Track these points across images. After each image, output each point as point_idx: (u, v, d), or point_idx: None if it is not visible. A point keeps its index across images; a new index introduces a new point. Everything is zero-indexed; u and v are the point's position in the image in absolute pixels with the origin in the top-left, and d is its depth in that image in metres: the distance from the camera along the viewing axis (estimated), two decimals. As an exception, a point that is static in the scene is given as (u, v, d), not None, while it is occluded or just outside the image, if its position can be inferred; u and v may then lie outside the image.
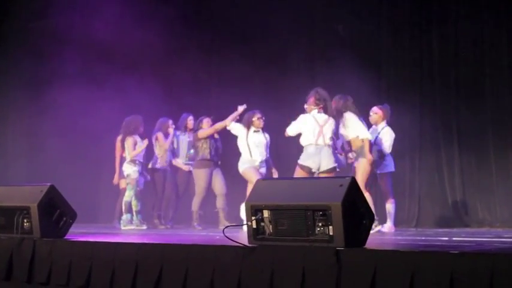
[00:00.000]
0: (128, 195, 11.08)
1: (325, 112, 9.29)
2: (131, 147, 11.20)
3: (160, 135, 11.39)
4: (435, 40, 11.79)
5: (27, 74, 13.61)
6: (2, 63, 13.99)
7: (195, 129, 11.28)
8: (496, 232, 9.14)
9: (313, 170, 9.12)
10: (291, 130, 9.37)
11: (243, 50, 12.72)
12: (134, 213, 11.10)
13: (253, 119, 10.41)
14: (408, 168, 11.77)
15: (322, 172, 9.10)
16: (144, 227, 10.94)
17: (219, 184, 11.00)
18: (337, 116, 9.33)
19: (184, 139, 11.52)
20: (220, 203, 10.95)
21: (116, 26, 12.75)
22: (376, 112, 9.92)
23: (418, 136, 11.75)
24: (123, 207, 11.05)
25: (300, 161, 9.17)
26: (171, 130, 11.42)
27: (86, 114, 13.06)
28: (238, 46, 12.81)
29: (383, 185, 9.80)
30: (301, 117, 9.29)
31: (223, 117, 10.94)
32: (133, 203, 11.10)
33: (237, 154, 10.45)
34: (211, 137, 11.03)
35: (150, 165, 11.47)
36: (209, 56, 13.39)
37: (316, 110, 9.25)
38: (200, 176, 10.98)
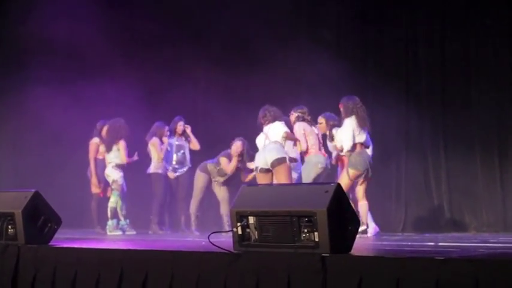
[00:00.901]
0: (114, 201, 11.01)
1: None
2: (124, 152, 11.14)
3: (156, 141, 11.32)
4: (421, 45, 11.81)
5: (11, 79, 13.53)
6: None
7: (170, 134, 11.30)
8: (482, 237, 9.16)
9: (261, 167, 9.43)
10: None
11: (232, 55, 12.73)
12: (122, 217, 11.04)
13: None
14: (394, 173, 11.77)
15: (273, 166, 9.34)
16: (133, 232, 10.90)
17: (224, 190, 11.00)
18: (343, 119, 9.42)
19: (173, 142, 11.47)
20: (224, 209, 10.94)
21: (95, 32, 12.72)
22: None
23: (404, 141, 11.75)
24: (109, 213, 10.99)
25: (251, 166, 9.97)
26: (165, 139, 11.36)
27: (69, 119, 13.00)
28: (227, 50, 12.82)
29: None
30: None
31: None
32: (120, 207, 11.05)
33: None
34: None
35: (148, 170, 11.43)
36: (198, 59, 13.34)
37: (264, 125, 9.75)
38: (199, 178, 11.01)
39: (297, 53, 12.33)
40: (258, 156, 9.56)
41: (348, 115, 9.34)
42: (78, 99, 12.71)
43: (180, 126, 11.47)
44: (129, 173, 11.40)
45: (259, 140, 9.72)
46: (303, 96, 11.86)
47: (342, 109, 9.46)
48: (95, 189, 11.60)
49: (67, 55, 13.42)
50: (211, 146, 11.79)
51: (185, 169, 11.42)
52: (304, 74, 12.24)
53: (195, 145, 11.49)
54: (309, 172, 9.67)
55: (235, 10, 12.24)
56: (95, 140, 11.53)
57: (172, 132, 11.47)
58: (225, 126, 12.00)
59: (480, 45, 11.33)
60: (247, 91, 12.44)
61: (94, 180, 11.54)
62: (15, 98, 13.54)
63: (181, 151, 11.41)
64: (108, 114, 11.63)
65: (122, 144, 11.15)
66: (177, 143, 11.44)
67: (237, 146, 10.86)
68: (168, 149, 11.39)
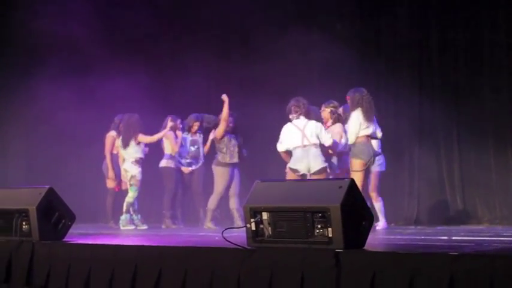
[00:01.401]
0: (132, 196, 10.97)
1: (306, 117, 9.46)
2: (143, 145, 11.12)
3: (171, 135, 11.31)
4: (434, 38, 11.77)
5: (24, 76, 13.57)
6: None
7: (183, 129, 11.29)
8: (495, 230, 9.13)
9: (303, 172, 9.24)
10: (279, 147, 9.61)
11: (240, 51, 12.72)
12: (133, 212, 11.05)
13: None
14: (407, 166, 11.76)
15: (313, 174, 9.17)
16: (145, 227, 10.90)
17: (234, 184, 10.96)
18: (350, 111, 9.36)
19: (187, 137, 11.47)
20: (233, 203, 10.91)
21: (104, 28, 12.78)
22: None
23: (417, 134, 11.73)
24: (124, 207, 10.97)
25: (290, 165, 9.33)
26: (179, 133, 11.34)
27: (84, 115, 13.05)
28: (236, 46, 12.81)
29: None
30: (282, 130, 9.56)
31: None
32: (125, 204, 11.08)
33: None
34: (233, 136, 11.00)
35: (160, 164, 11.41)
36: (208, 55, 13.34)
37: (295, 116, 9.45)
38: (220, 174, 10.86)
39: (307, 43, 12.25)
40: (299, 159, 9.26)
41: (354, 108, 9.28)
42: (91, 95, 12.75)
43: (196, 126, 11.40)
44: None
45: (295, 136, 9.39)
46: (315, 88, 11.83)
47: (349, 101, 9.39)
48: (111, 183, 11.60)
49: (79, 51, 13.43)
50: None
51: (200, 164, 11.41)
52: (315, 65, 12.24)
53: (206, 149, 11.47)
54: None
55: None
56: (112, 133, 11.50)
57: (187, 129, 11.44)
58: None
59: (493, 36, 11.27)
60: (256, 84, 12.44)
61: (111, 174, 11.53)
62: (27, 94, 13.60)
63: (196, 146, 11.40)
64: (121, 109, 11.62)
65: (142, 137, 11.09)
66: (191, 138, 11.42)
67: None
68: (183, 143, 11.38)
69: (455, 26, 11.56)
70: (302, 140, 9.30)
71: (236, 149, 10.82)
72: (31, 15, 13.25)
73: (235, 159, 10.81)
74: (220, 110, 10.80)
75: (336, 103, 9.94)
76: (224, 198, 10.86)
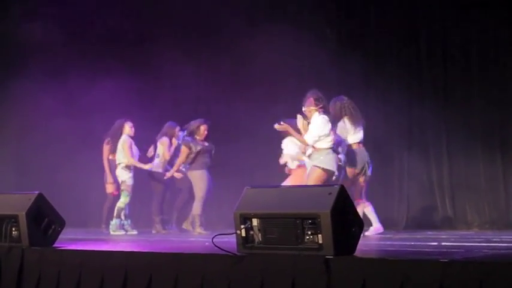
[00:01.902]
0: (123, 202, 11.01)
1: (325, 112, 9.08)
2: (128, 151, 11.11)
3: (166, 141, 11.29)
4: (423, 42, 11.79)
5: (15, 79, 13.55)
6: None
7: (190, 132, 11.23)
8: (485, 235, 9.16)
9: (335, 175, 8.89)
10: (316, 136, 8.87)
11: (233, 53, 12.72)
12: (123, 217, 11.04)
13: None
14: (397, 171, 11.78)
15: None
16: (135, 232, 10.90)
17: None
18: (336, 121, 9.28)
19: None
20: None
21: (97, 31, 12.78)
22: None
23: (407, 139, 11.75)
24: (115, 212, 10.99)
25: (324, 165, 8.78)
26: (174, 141, 11.31)
27: (73, 119, 13.03)
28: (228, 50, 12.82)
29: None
30: (321, 119, 8.91)
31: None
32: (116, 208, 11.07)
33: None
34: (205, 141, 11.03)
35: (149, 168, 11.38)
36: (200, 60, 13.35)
37: (318, 112, 8.95)
38: (199, 178, 10.91)
39: (298, 48, 12.28)
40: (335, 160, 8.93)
41: (339, 117, 9.25)
42: (82, 99, 12.73)
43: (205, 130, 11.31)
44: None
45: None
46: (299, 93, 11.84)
47: (332, 112, 9.25)
48: (109, 188, 11.58)
49: (70, 55, 13.42)
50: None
51: None
52: (305, 72, 12.27)
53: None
54: None
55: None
56: (107, 139, 11.53)
57: (191, 134, 11.33)
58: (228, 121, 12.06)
59: (482, 40, 11.30)
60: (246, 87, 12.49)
61: (109, 179, 11.52)
62: (18, 98, 13.57)
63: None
64: (113, 114, 11.61)
65: (125, 143, 11.12)
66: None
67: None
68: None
69: (445, 29, 11.58)
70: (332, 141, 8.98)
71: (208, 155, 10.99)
72: (19, 18, 13.27)
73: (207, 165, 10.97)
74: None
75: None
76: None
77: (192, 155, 10.89)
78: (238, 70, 12.68)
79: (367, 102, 10.82)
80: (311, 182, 8.65)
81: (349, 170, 9.21)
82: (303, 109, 9.09)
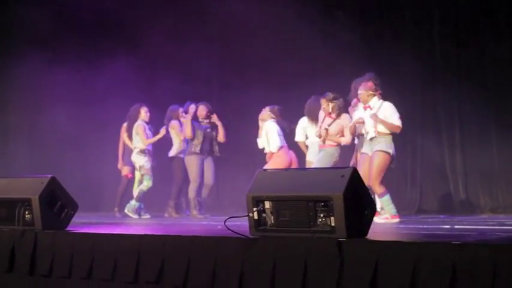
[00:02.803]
0: (146, 185, 11.06)
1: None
2: (143, 135, 11.12)
3: (176, 124, 11.30)
4: (436, 23, 11.74)
5: (26, 63, 13.56)
6: (2, 54, 13.97)
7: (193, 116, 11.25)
8: (498, 219, 9.14)
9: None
10: (397, 121, 8.86)
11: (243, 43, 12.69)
12: (135, 200, 11.08)
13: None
14: (410, 154, 11.75)
15: None
16: (148, 216, 10.93)
17: (208, 174, 11.05)
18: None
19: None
20: (205, 193, 11.05)
21: (118, 20, 12.77)
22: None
23: (420, 122, 11.71)
24: (137, 195, 11.04)
25: (389, 150, 8.72)
26: (183, 119, 11.30)
27: (86, 103, 13.06)
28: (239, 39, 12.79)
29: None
30: (389, 104, 8.93)
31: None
32: (135, 189, 11.10)
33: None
34: (204, 127, 11.03)
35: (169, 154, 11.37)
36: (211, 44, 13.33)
37: (377, 98, 8.96)
38: (192, 163, 11.00)
39: (306, 33, 12.25)
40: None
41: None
42: (94, 83, 12.75)
43: (203, 111, 11.34)
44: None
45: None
46: (318, 79, 11.84)
47: (368, 89, 9.02)
48: (125, 170, 11.62)
49: (78, 40, 13.46)
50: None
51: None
52: (319, 53, 12.24)
53: (222, 137, 11.38)
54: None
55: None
56: (124, 124, 11.57)
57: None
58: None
59: (495, 21, 11.24)
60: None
61: (120, 163, 11.58)
62: (29, 82, 13.61)
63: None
64: (130, 100, 11.62)
65: (139, 127, 11.14)
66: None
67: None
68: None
69: (458, 11, 11.53)
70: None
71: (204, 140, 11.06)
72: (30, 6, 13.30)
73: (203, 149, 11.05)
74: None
75: (335, 95, 9.65)
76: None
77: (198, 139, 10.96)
78: (246, 53, 12.63)
79: (380, 87, 10.77)
80: (376, 167, 8.60)
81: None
82: (358, 91, 9.04)
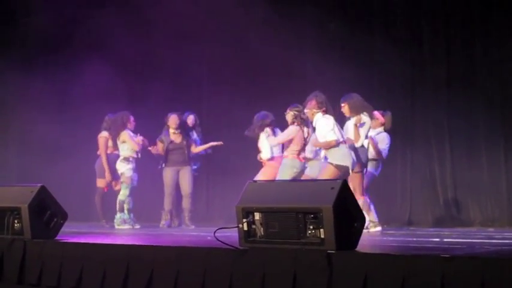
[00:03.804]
0: (123, 194, 10.95)
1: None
2: (131, 142, 11.04)
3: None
4: (426, 37, 11.78)
5: (16, 74, 13.60)
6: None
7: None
8: (487, 232, 9.16)
9: (350, 170, 8.80)
10: (330, 136, 8.83)
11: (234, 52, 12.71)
12: (126, 211, 11.01)
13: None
14: (399, 167, 11.75)
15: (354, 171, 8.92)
16: (138, 226, 10.89)
17: (184, 184, 11.07)
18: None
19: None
20: (185, 203, 11.08)
21: (108, 26, 12.76)
22: (377, 118, 9.85)
23: (410, 135, 11.74)
24: (117, 206, 10.96)
25: (337, 161, 8.72)
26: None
27: (75, 113, 13.05)
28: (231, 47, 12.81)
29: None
30: (325, 120, 8.96)
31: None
32: (126, 200, 11.04)
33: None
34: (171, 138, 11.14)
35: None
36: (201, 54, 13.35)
37: (321, 114, 9.01)
38: (165, 176, 11.10)
39: (301, 54, 12.29)
40: (347, 156, 8.82)
41: (359, 111, 9.22)
42: (85, 94, 12.74)
43: (190, 119, 11.39)
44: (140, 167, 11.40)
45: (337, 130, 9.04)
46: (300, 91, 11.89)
47: (348, 108, 9.22)
48: (101, 183, 11.58)
49: (66, 50, 13.48)
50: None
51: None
52: (306, 68, 12.28)
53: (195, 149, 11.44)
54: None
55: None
56: (104, 134, 11.45)
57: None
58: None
59: (485, 36, 11.28)
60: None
61: (107, 174, 11.43)
62: (20, 94, 13.63)
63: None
64: (116, 109, 11.60)
65: (125, 135, 11.08)
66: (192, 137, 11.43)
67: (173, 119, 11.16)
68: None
69: (448, 26, 11.57)
70: (343, 136, 8.99)
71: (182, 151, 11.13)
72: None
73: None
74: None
75: (300, 107, 9.66)
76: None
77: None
78: (238, 64, 12.67)
79: (370, 99, 10.79)
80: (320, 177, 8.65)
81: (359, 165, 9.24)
82: (305, 110, 9.20)
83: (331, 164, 8.72)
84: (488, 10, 11.22)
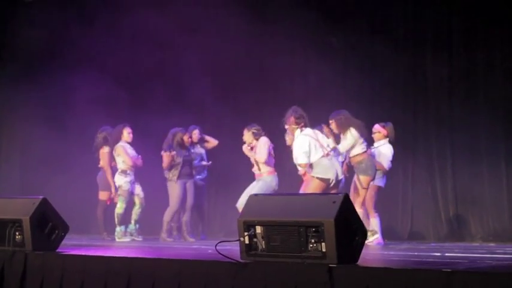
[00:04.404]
0: (120, 207, 10.97)
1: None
2: (125, 156, 11.07)
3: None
4: (429, 51, 11.78)
5: (20, 88, 13.63)
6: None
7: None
8: (488, 247, 9.15)
9: (332, 181, 9.11)
10: (306, 159, 9.17)
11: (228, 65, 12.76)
12: (133, 222, 11.05)
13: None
14: (401, 181, 11.74)
15: (338, 182, 9.18)
16: (140, 239, 10.89)
17: (189, 197, 11.06)
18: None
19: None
20: (186, 216, 11.07)
21: (108, 40, 12.80)
22: (379, 130, 10.00)
23: (411, 149, 11.73)
24: (116, 219, 10.98)
25: (319, 174, 9.07)
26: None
27: (78, 125, 13.06)
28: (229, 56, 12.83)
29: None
30: (300, 140, 9.25)
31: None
32: (134, 211, 11.06)
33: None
34: (183, 153, 11.09)
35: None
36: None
37: (299, 130, 9.32)
38: (175, 189, 11.01)
39: (304, 60, 12.31)
40: (328, 168, 9.18)
41: (346, 128, 9.43)
42: (87, 107, 12.74)
43: (195, 134, 11.41)
44: (145, 179, 11.42)
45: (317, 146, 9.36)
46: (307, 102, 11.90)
47: (336, 124, 9.45)
48: (102, 195, 11.56)
49: (69, 61, 13.50)
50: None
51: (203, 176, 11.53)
52: (309, 79, 12.31)
53: (213, 142, 11.54)
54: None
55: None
56: (106, 149, 11.47)
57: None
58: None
59: (488, 49, 11.28)
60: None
61: (113, 189, 11.37)
62: (23, 107, 13.65)
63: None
64: (118, 122, 11.62)
65: (119, 148, 11.11)
66: (193, 151, 11.42)
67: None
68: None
69: (451, 39, 11.59)
70: (323, 150, 9.26)
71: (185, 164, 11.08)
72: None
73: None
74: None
75: (258, 127, 10.37)
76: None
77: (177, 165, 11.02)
78: (239, 75, 12.71)
79: (371, 114, 10.82)
80: (305, 190, 9.04)
81: (365, 179, 9.34)
82: (285, 126, 9.49)
83: (314, 177, 9.07)
84: (491, 20, 11.23)
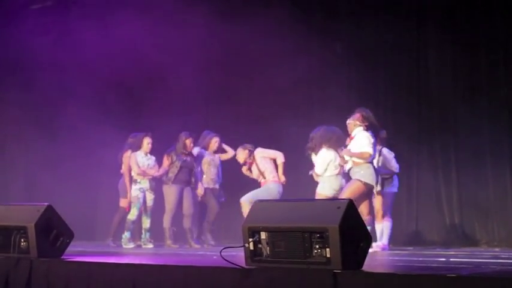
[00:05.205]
0: (132, 214, 11.05)
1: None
2: (134, 165, 11.13)
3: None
4: (432, 57, 11.80)
5: (26, 93, 13.67)
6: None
7: (202, 146, 11.27)
8: (493, 252, 9.14)
9: (372, 188, 9.31)
10: (367, 149, 9.21)
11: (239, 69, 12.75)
12: (143, 230, 11.10)
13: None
14: (405, 187, 11.74)
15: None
16: (151, 246, 10.90)
17: (186, 204, 11.04)
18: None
19: (209, 160, 11.46)
20: (186, 223, 11.05)
21: (118, 48, 12.83)
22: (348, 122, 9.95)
23: (416, 155, 11.74)
24: (126, 225, 11.03)
25: (366, 179, 9.16)
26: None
27: (83, 132, 13.08)
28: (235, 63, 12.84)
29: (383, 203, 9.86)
30: (366, 134, 9.30)
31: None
32: (144, 220, 11.09)
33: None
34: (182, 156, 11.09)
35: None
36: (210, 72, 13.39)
37: (362, 128, 9.36)
38: (170, 193, 11.05)
39: (307, 65, 12.32)
40: (373, 174, 9.31)
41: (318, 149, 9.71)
42: (95, 113, 12.77)
43: (216, 142, 11.41)
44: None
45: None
46: (311, 109, 11.91)
47: (360, 120, 9.43)
48: (123, 203, 11.51)
49: (76, 72, 13.53)
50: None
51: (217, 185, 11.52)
52: (314, 84, 12.32)
53: (230, 153, 11.54)
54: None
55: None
56: (128, 154, 11.44)
57: (205, 148, 11.42)
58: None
59: (492, 54, 11.30)
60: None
61: (129, 195, 11.36)
62: (29, 114, 13.69)
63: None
64: (127, 129, 11.64)
65: (131, 157, 11.17)
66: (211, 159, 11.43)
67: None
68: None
69: (454, 44, 11.59)
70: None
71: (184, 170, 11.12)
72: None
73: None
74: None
75: (251, 145, 10.78)
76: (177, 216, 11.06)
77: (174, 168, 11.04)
78: (243, 83, 12.73)
79: (376, 118, 10.82)
80: (347, 194, 8.92)
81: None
82: (348, 121, 9.49)
83: (360, 180, 9.12)
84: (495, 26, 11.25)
